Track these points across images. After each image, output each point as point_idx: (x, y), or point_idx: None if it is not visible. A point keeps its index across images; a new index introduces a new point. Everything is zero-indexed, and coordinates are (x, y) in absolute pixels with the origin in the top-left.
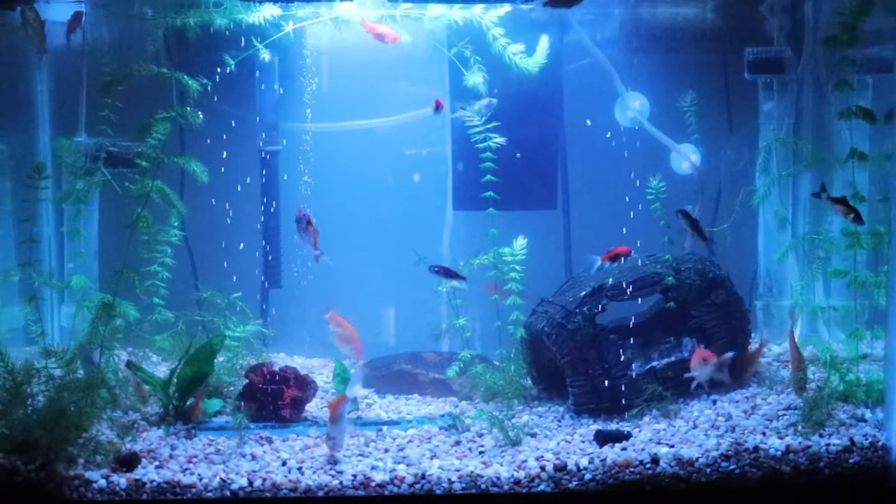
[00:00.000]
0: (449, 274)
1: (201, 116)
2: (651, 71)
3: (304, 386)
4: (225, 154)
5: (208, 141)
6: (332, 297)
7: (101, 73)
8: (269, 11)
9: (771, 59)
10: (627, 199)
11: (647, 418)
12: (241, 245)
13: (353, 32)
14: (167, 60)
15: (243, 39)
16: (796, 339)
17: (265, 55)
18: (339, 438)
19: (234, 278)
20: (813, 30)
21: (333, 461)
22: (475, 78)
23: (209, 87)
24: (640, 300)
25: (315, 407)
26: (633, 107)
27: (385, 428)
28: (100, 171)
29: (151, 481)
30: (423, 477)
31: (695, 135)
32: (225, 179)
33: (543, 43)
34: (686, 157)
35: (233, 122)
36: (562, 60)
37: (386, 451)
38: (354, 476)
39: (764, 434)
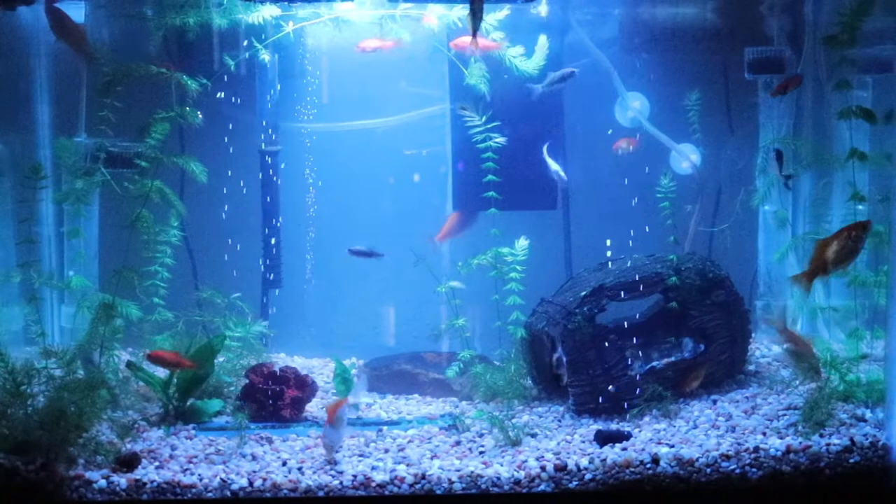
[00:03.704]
0: (367, 254)
1: (201, 116)
2: (651, 71)
3: (304, 386)
4: (224, 154)
5: (208, 141)
6: (330, 298)
7: (101, 72)
8: (269, 11)
9: (771, 59)
10: (628, 198)
11: (647, 418)
12: (241, 245)
13: (353, 32)
14: (167, 60)
15: (244, 39)
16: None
17: (265, 55)
18: (336, 443)
19: (234, 278)
20: (813, 29)
21: (333, 462)
22: (475, 78)
23: (209, 88)
24: (640, 300)
25: (315, 407)
26: (634, 107)
27: (385, 428)
28: (99, 171)
29: (152, 481)
30: (424, 477)
31: (696, 134)
32: (225, 180)
33: (542, 42)
34: (686, 157)
35: (232, 123)
36: (562, 61)
37: (386, 451)
38: (355, 476)
39: (764, 434)
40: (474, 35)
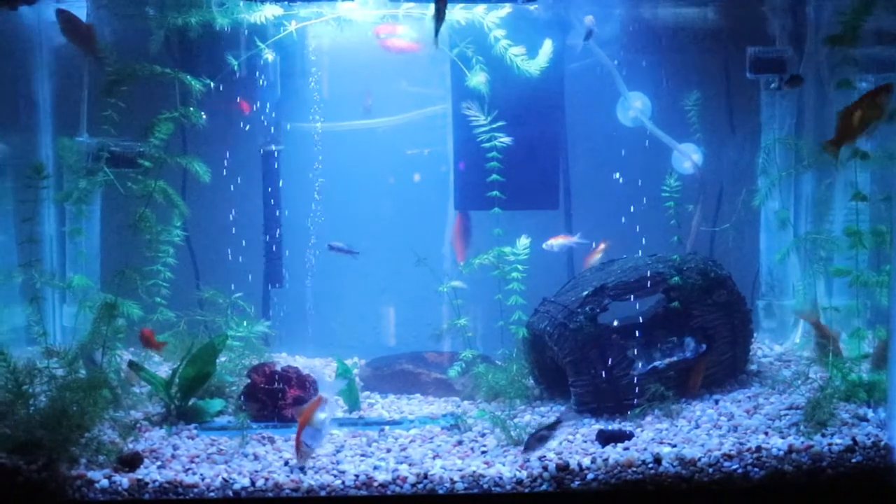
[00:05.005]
0: (346, 251)
1: (204, 116)
2: (653, 71)
3: (306, 386)
4: (226, 154)
5: (209, 141)
6: (332, 297)
7: (104, 72)
8: (271, 11)
9: (773, 59)
10: (629, 198)
11: (649, 418)
12: (243, 245)
13: (355, 32)
14: (170, 60)
15: (245, 39)
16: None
17: (267, 55)
18: (315, 448)
19: (236, 278)
20: (815, 29)
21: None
22: (477, 78)
23: (212, 87)
24: (642, 300)
25: None
26: (635, 106)
27: (387, 428)
28: (102, 170)
29: (154, 481)
30: (426, 477)
31: (697, 134)
32: (226, 179)
33: (547, 47)
34: (688, 157)
35: (233, 123)
36: (563, 60)
37: (388, 450)
38: (357, 476)
39: (766, 434)
40: (437, 35)
